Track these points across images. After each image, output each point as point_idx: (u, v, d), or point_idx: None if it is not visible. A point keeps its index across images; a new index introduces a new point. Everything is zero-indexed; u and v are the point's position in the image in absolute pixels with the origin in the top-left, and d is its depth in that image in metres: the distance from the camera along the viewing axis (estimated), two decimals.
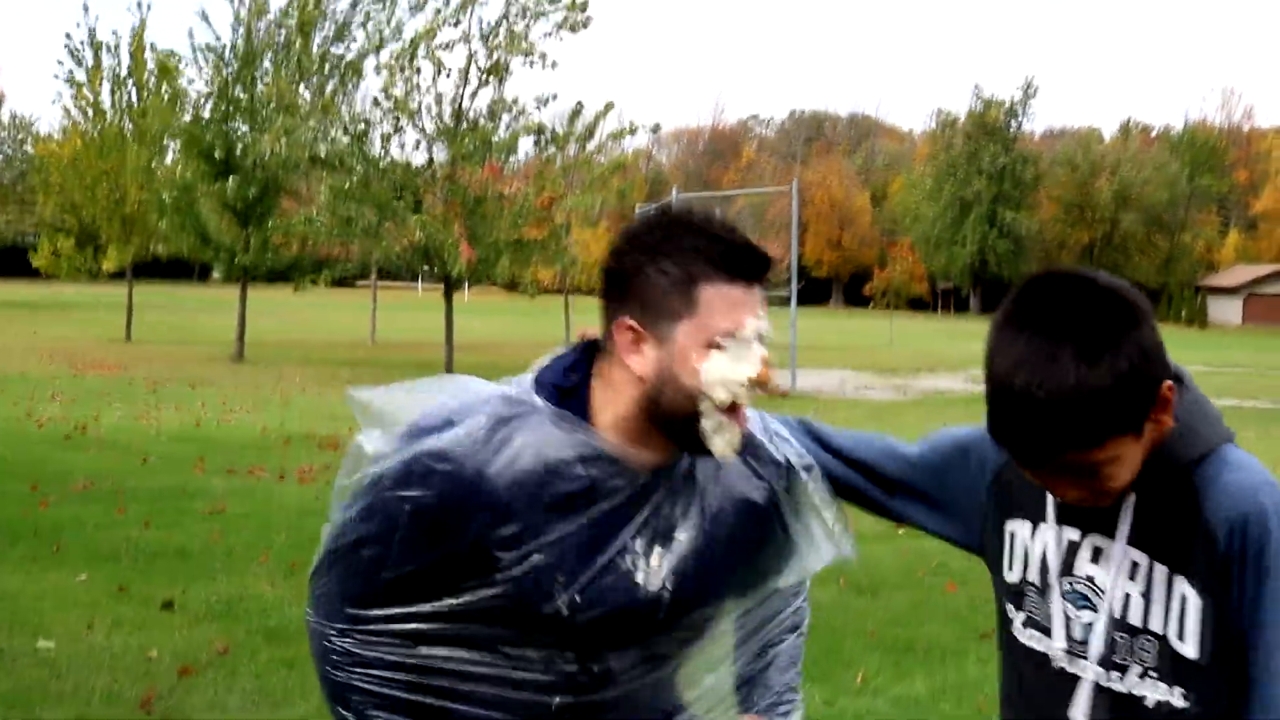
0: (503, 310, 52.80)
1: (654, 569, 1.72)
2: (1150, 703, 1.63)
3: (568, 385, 1.72)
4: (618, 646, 1.73)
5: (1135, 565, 1.65)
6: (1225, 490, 1.60)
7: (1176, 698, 1.62)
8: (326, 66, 22.80)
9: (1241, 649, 1.59)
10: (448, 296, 21.10)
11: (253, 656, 5.24)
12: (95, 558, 6.86)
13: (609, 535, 1.69)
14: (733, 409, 1.66)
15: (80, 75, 28.46)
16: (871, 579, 6.85)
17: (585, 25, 20.14)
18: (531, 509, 1.65)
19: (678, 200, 21.15)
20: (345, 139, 20.01)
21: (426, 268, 21.83)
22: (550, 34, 20.02)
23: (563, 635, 1.70)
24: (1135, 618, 1.64)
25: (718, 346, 1.63)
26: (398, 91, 19.91)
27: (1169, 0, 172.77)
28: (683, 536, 1.74)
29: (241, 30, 23.44)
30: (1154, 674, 1.63)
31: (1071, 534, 1.71)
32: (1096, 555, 1.68)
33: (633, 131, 20.94)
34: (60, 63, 30.04)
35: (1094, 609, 1.68)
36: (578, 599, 1.67)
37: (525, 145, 20.94)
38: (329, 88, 22.34)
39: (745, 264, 1.66)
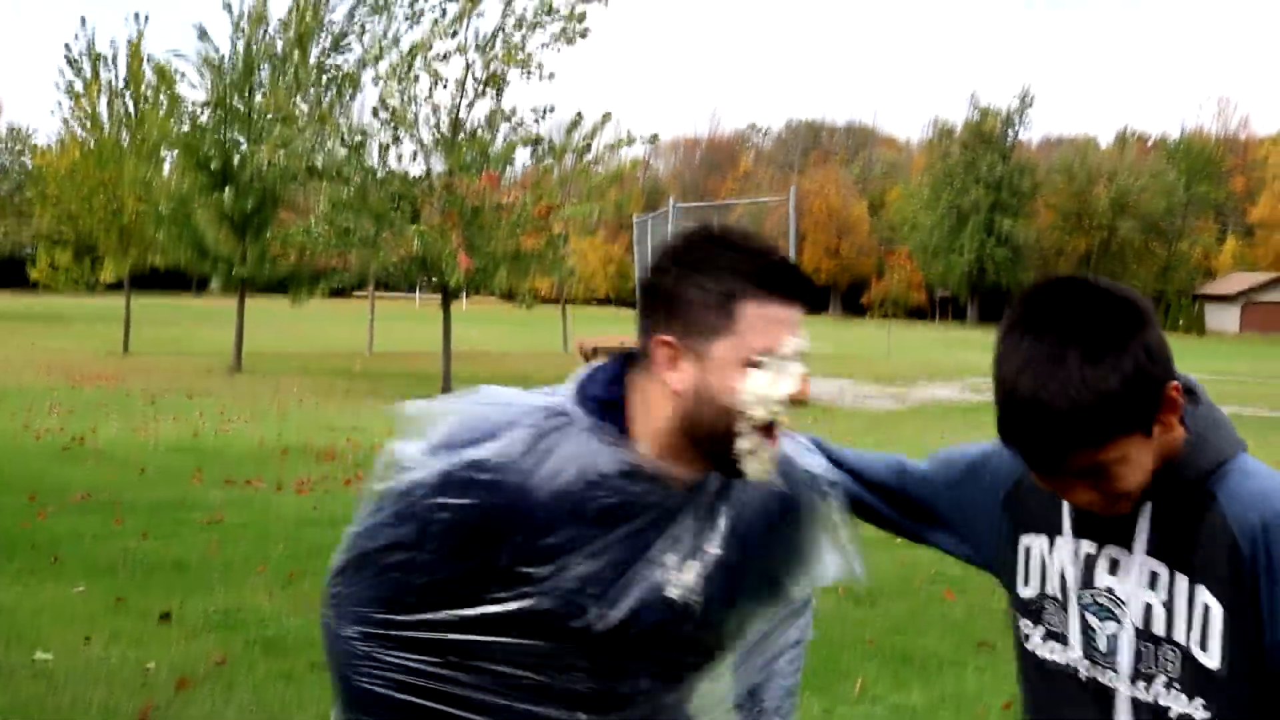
0: (500, 319, 52.77)
1: (685, 584, 1.72)
2: (1174, 715, 1.63)
3: (609, 398, 1.72)
4: (644, 661, 1.73)
5: (1155, 575, 1.65)
6: (1244, 498, 1.60)
7: (1198, 709, 1.62)
8: (324, 78, 22.85)
9: (1265, 658, 1.58)
10: (445, 307, 21.09)
11: (250, 668, 5.23)
12: (93, 570, 6.84)
13: (642, 549, 1.69)
14: (768, 429, 1.65)
15: (79, 86, 28.49)
16: (869, 588, 6.84)
17: (583, 36, 20.16)
18: (570, 522, 1.65)
19: (675, 210, 21.11)
20: (343, 150, 20.01)
21: (425, 278, 21.81)
22: (547, 45, 20.04)
23: (590, 649, 1.69)
24: (1159, 627, 1.64)
25: (756, 364, 1.62)
26: (395, 102, 19.92)
27: (1165, 10, 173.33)
28: (713, 551, 1.74)
29: (241, 41, 23.48)
30: (1177, 685, 1.63)
31: (1088, 546, 1.71)
32: (1114, 567, 1.68)
33: (630, 142, 20.90)
34: (61, 73, 29.99)
35: (1117, 620, 1.68)
36: (609, 612, 1.67)
37: (523, 156, 20.95)
38: (326, 99, 22.37)
39: (785, 281, 1.65)
